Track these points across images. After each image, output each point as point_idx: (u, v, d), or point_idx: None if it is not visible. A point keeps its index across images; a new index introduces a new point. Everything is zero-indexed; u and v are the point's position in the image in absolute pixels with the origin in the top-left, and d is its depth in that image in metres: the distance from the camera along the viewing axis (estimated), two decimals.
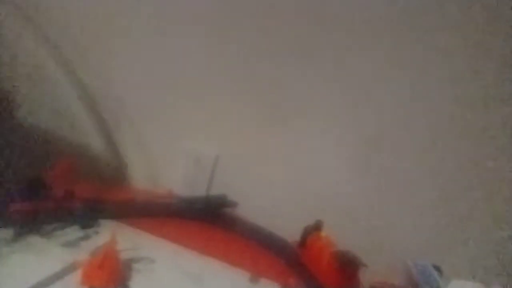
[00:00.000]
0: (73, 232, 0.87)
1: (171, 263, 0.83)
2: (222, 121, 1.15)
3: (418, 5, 0.93)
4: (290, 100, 1.08)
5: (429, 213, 0.98)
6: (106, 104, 1.21)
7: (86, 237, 0.86)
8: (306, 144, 1.08)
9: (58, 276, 0.72)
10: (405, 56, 0.97)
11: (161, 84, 1.17)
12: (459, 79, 0.94)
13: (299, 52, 1.04)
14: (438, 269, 0.91)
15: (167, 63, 1.15)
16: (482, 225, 0.94)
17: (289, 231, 0.96)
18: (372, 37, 0.98)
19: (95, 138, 1.21)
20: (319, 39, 1.02)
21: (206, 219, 1.02)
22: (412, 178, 0.98)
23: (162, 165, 1.19)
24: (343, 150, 1.04)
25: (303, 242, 0.92)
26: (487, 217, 0.94)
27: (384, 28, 0.97)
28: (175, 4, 1.10)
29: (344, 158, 1.04)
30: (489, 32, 0.90)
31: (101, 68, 1.19)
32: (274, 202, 1.07)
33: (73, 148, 1.15)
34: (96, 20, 1.15)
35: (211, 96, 1.14)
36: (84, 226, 0.89)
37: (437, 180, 0.97)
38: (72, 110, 1.20)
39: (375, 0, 0.96)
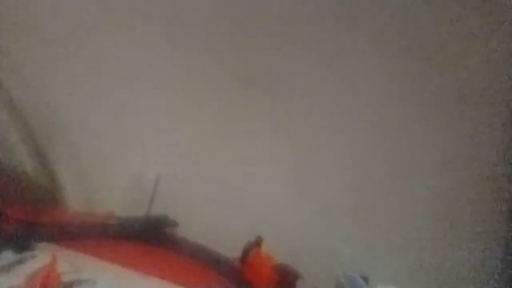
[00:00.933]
0: (7, 257, 0.82)
1: (113, 284, 0.82)
2: (162, 141, 1.16)
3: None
4: (229, 121, 1.13)
5: (356, 228, 1.07)
6: (38, 121, 1.17)
7: (21, 261, 0.82)
8: (245, 164, 1.13)
9: None
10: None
11: (99, 103, 1.16)
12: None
13: (238, 77, 1.10)
14: (365, 279, 0.99)
15: (106, 81, 1.15)
16: (405, 236, 1.05)
17: (230, 248, 1.00)
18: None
19: (27, 158, 1.16)
20: (256, 68, 1.09)
21: (147, 240, 1.02)
22: (342, 196, 1.07)
23: (100, 185, 1.17)
24: (280, 171, 1.11)
25: (244, 259, 0.96)
26: (409, 228, 1.05)
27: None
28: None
29: (281, 179, 1.11)
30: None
31: (34, 84, 1.15)
32: (214, 221, 1.10)
33: (3, 169, 1.09)
34: (28, 32, 1.12)
35: (152, 116, 1.15)
36: (19, 250, 0.85)
37: (364, 197, 1.07)
38: (1, 129, 1.14)
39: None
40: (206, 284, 0.91)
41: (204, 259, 0.99)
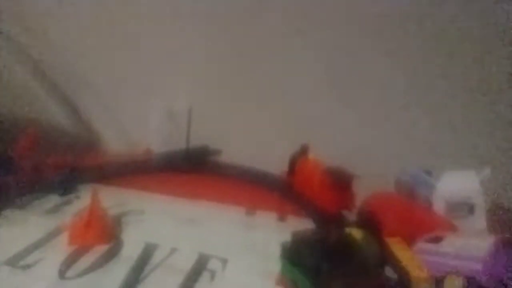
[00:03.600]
0: (52, 200, 0.82)
1: (161, 211, 0.80)
2: (191, 71, 1.09)
3: None
4: (259, 37, 1.03)
5: (412, 121, 0.97)
6: (64, 77, 1.14)
7: (67, 203, 0.82)
8: (278, 79, 1.04)
9: (43, 240, 0.68)
10: None
11: (123, 43, 1.09)
12: None
13: None
14: (428, 173, 0.90)
15: (129, 17, 1.07)
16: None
17: (277, 164, 0.94)
18: None
19: (59, 112, 1.14)
20: None
21: (190, 171, 0.99)
22: (392, 87, 0.96)
23: (135, 125, 1.14)
24: (316, 81, 1.00)
25: (291, 170, 0.90)
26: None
27: None
28: None
29: (319, 88, 1.01)
30: None
31: (56, 43, 1.11)
32: (255, 140, 1.03)
33: (36, 122, 1.08)
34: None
35: (178, 46, 1.07)
36: (63, 193, 0.84)
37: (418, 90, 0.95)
38: (27, 84, 1.12)
39: None
40: (255, 201, 0.86)
41: (250, 179, 0.94)
